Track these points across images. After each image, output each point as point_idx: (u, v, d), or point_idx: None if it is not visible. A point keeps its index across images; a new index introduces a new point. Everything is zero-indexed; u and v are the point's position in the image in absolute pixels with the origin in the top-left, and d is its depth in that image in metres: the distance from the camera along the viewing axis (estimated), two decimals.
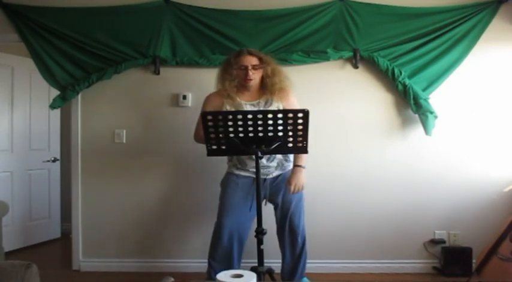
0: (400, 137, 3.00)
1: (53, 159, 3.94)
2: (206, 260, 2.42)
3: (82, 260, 3.10)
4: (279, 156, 2.35)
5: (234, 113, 1.93)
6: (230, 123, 1.91)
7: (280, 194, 2.37)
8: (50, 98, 3.39)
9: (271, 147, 1.95)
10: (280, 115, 1.89)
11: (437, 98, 2.91)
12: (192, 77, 3.02)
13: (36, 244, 3.80)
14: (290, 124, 1.91)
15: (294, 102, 2.39)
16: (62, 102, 3.02)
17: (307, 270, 2.50)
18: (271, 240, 2.36)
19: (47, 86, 3.21)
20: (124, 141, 3.07)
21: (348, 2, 2.92)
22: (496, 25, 2.91)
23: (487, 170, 2.97)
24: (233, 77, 2.32)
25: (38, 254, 3.58)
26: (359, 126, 3.01)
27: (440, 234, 3.01)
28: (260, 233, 1.95)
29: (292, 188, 2.30)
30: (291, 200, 2.36)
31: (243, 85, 2.35)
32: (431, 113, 2.85)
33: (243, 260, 2.51)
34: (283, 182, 2.36)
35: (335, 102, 3.01)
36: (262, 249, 1.94)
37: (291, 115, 1.89)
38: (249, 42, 2.93)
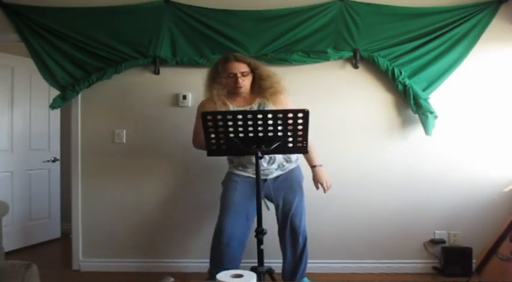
0: (400, 137, 3.00)
1: (53, 159, 3.94)
2: (206, 260, 2.42)
3: (82, 260, 3.10)
4: (279, 158, 2.34)
5: (234, 113, 1.92)
6: (230, 123, 1.91)
7: (281, 194, 2.37)
8: (50, 98, 3.39)
9: (271, 147, 1.95)
10: (280, 115, 1.89)
11: (437, 98, 2.91)
12: (192, 77, 3.01)
13: (36, 244, 3.80)
14: (290, 124, 1.92)
15: (288, 104, 2.35)
16: (62, 102, 3.02)
17: (307, 270, 2.50)
18: (271, 240, 2.36)
19: (47, 86, 3.21)
20: (124, 141, 3.07)
21: (348, 2, 2.92)
22: (496, 25, 2.91)
23: (487, 170, 2.97)
24: (222, 85, 2.30)
25: (38, 254, 3.58)
26: (359, 126, 3.01)
27: (440, 234, 3.01)
28: (260, 233, 1.95)
29: (325, 185, 2.38)
30: (292, 200, 2.36)
31: (233, 92, 2.33)
32: (431, 113, 2.85)
33: (243, 260, 2.51)
34: (284, 182, 2.36)
35: (335, 102, 3.01)
36: (262, 249, 1.94)
37: (291, 115, 1.89)
38: (249, 42, 2.93)
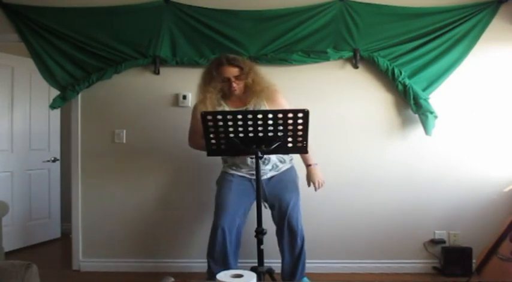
0: (400, 137, 3.00)
1: (53, 159, 3.94)
2: (206, 260, 2.42)
3: (82, 260, 3.10)
4: (274, 158, 2.35)
5: (234, 113, 1.92)
6: (230, 123, 1.91)
7: (277, 195, 2.36)
8: (50, 98, 3.39)
9: (271, 147, 1.95)
10: (280, 115, 1.89)
11: (437, 98, 2.91)
12: (192, 77, 2.99)
13: (36, 244, 3.80)
14: (290, 124, 1.92)
15: (282, 103, 2.35)
16: (62, 102, 3.02)
17: (307, 270, 2.50)
18: (271, 240, 2.36)
19: (47, 86, 3.21)
20: (124, 141, 3.07)
21: (348, 2, 2.92)
22: (496, 25, 2.91)
23: (487, 170, 2.97)
24: (217, 90, 2.28)
25: (38, 254, 3.58)
26: (359, 126, 3.01)
27: (440, 234, 3.01)
28: (260, 233, 1.95)
29: (317, 185, 2.40)
30: (288, 200, 2.35)
31: (227, 95, 2.33)
32: (431, 113, 2.85)
33: (243, 260, 2.52)
34: (279, 183, 2.36)
35: (335, 102, 3.01)
36: (262, 249, 1.94)
37: (291, 115, 1.89)
38: (249, 42, 2.93)
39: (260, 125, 1.90)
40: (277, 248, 2.45)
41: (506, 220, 2.47)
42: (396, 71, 2.87)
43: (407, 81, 2.86)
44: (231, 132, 1.94)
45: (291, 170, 2.45)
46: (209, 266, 2.38)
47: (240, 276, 1.28)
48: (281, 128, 1.92)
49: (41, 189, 3.90)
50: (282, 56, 2.92)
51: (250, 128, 1.91)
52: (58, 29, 2.97)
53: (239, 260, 2.48)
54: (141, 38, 2.97)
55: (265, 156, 2.15)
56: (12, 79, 3.64)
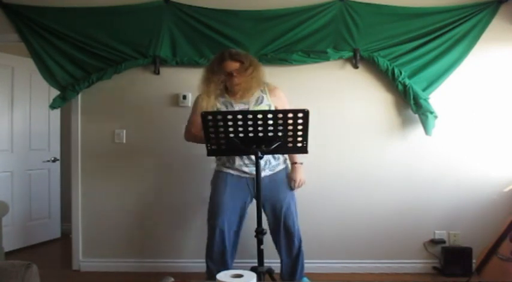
0: (400, 137, 3.00)
1: (53, 159, 3.94)
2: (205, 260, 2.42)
3: (82, 260, 3.10)
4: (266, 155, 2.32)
5: (234, 113, 1.92)
6: (230, 123, 1.91)
7: (271, 195, 2.31)
8: (50, 98, 3.39)
9: (271, 147, 1.95)
10: (280, 115, 1.89)
11: (437, 98, 2.91)
12: (192, 77, 2.99)
13: (36, 244, 3.80)
14: (290, 124, 1.91)
15: (284, 99, 2.40)
16: (62, 102, 3.02)
17: (307, 270, 2.50)
18: (271, 240, 2.37)
19: (47, 86, 3.21)
20: (124, 141, 3.07)
21: (348, 2, 2.92)
22: (496, 25, 2.91)
23: (487, 170, 2.97)
24: (219, 82, 2.29)
25: (38, 254, 3.58)
26: (359, 126, 3.01)
27: (440, 234, 3.01)
28: (260, 233, 1.95)
29: (297, 184, 2.37)
30: (283, 201, 2.33)
31: (230, 88, 2.33)
32: (431, 113, 2.85)
33: (243, 260, 2.52)
34: (273, 183, 2.31)
35: (335, 102, 3.01)
36: (262, 249, 1.94)
37: (291, 115, 1.89)
38: (249, 42, 2.93)
39: (260, 125, 1.90)
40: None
41: (506, 220, 2.47)
42: (396, 71, 2.87)
43: (407, 81, 2.86)
44: (231, 132, 1.94)
45: (285, 170, 2.42)
46: (208, 267, 2.38)
47: (240, 276, 1.28)
48: (281, 128, 1.92)
49: (41, 189, 3.90)
50: (282, 56, 2.92)
51: (250, 128, 1.91)
52: (58, 29, 2.97)
53: (239, 260, 2.49)
54: (141, 38, 2.97)
55: None
56: (12, 79, 3.64)
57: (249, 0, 2.97)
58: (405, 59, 2.90)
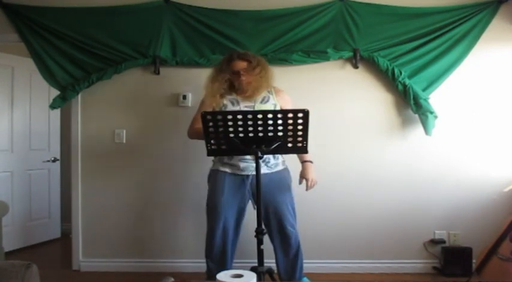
0: (400, 137, 3.00)
1: (53, 159, 3.94)
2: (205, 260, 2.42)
3: (82, 260, 3.10)
4: None
5: (234, 113, 1.92)
6: (230, 123, 1.91)
7: (269, 196, 2.28)
8: (50, 98, 3.39)
9: (271, 147, 1.95)
10: (280, 115, 1.89)
11: (437, 98, 2.91)
12: (192, 77, 3.02)
13: (36, 244, 3.80)
14: (290, 124, 1.91)
15: (287, 99, 2.45)
16: (62, 102, 3.02)
17: (307, 270, 2.50)
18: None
19: (47, 86, 3.21)
20: (124, 141, 3.08)
21: (348, 2, 2.92)
22: (496, 25, 2.91)
23: (487, 170, 2.97)
24: (222, 83, 2.35)
25: (38, 254, 3.58)
26: (359, 126, 3.01)
27: (440, 234, 3.01)
28: (260, 233, 1.95)
29: (309, 183, 2.34)
30: (280, 203, 2.31)
31: (237, 88, 2.37)
32: (431, 113, 2.85)
33: (243, 260, 2.53)
34: (271, 183, 2.29)
35: (335, 102, 3.01)
36: (262, 249, 1.94)
37: (291, 115, 1.89)
38: (249, 42, 2.93)
39: (260, 125, 1.90)
40: None
41: (506, 220, 2.47)
42: (396, 71, 2.87)
43: (407, 81, 2.86)
44: (231, 132, 1.94)
45: (284, 171, 2.41)
46: (208, 266, 2.38)
47: (240, 276, 1.28)
48: (281, 128, 1.92)
49: (41, 189, 3.89)
50: (282, 56, 2.92)
51: (250, 128, 1.91)
52: (58, 29, 2.97)
53: (239, 260, 2.49)
54: (141, 38, 2.97)
55: None
56: (12, 79, 3.63)
57: (249, 0, 2.97)
58: (405, 59, 2.90)
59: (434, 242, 2.99)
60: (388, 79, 2.92)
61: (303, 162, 2.39)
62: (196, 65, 2.96)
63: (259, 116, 1.89)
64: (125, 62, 2.97)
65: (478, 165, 2.98)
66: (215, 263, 2.34)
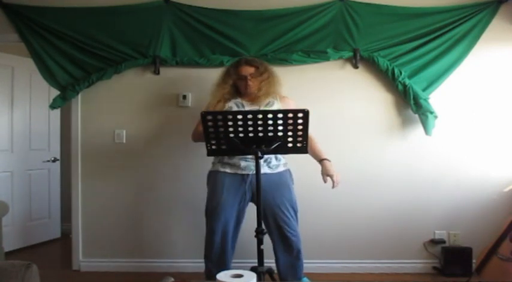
0: (400, 137, 3.00)
1: (53, 159, 3.94)
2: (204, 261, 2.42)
3: (82, 260, 3.10)
4: None
5: (234, 113, 1.92)
6: (230, 123, 1.91)
7: (269, 197, 2.26)
8: (50, 98, 3.39)
9: (271, 147, 1.95)
10: (280, 115, 1.89)
11: (437, 98, 2.91)
12: (192, 77, 3.02)
13: (36, 244, 3.80)
14: (290, 124, 1.91)
15: (292, 104, 2.46)
16: (62, 102, 3.02)
17: (307, 270, 2.50)
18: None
19: (47, 86, 3.21)
20: (124, 141, 3.08)
21: (348, 2, 2.92)
22: (496, 25, 2.91)
23: (487, 170, 2.98)
24: (229, 84, 2.39)
25: (38, 254, 3.58)
26: (359, 126, 3.01)
27: (440, 234, 3.01)
28: (260, 233, 1.94)
29: (335, 178, 2.27)
30: (280, 205, 2.29)
31: (243, 92, 2.40)
32: (431, 113, 2.85)
33: (243, 260, 2.52)
34: (271, 184, 2.28)
35: (335, 102, 3.01)
36: (262, 249, 1.94)
37: (291, 115, 1.89)
38: (249, 42, 2.93)
39: (260, 125, 1.90)
40: None
41: (506, 220, 2.47)
42: (396, 71, 2.87)
43: (407, 81, 2.86)
44: (231, 132, 1.94)
45: (285, 172, 2.40)
46: (207, 267, 2.38)
47: (240, 276, 1.28)
48: (281, 128, 1.92)
49: (41, 189, 3.90)
50: (282, 56, 2.93)
51: (250, 128, 1.91)
52: (58, 29, 2.97)
53: (239, 260, 2.49)
54: (141, 38, 2.97)
55: None
56: (12, 79, 3.63)
57: (249, 0, 2.97)
58: (405, 59, 2.90)
59: (434, 242, 2.99)
60: (388, 79, 2.92)
61: (321, 160, 2.34)
62: (196, 65, 2.96)
63: (259, 116, 1.89)
64: (125, 62, 2.97)
65: (478, 165, 2.98)
66: (214, 263, 2.33)
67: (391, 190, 3.00)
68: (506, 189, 2.98)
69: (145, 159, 3.07)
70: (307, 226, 2.68)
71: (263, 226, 2.01)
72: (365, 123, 3.01)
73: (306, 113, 1.89)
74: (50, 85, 3.09)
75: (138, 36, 2.97)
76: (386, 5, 2.92)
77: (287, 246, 2.33)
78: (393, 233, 2.99)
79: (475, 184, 2.98)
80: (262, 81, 2.35)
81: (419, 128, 2.91)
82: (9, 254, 3.32)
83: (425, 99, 2.86)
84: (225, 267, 2.28)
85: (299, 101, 2.46)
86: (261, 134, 1.92)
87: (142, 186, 3.08)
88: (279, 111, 1.92)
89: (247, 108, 2.34)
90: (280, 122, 1.90)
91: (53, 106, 3.04)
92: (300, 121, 1.90)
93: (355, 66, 2.97)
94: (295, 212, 2.36)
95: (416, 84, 2.87)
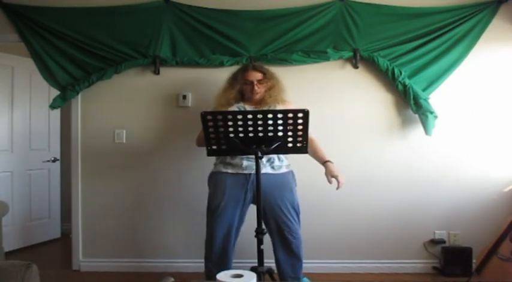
0: (400, 137, 3.00)
1: (53, 159, 3.94)
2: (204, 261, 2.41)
3: (82, 260, 3.10)
4: None
5: (234, 113, 1.92)
6: (230, 123, 1.91)
7: (270, 199, 2.27)
8: (50, 98, 3.39)
9: (271, 147, 1.95)
10: (280, 115, 1.89)
11: (437, 98, 2.91)
12: (192, 77, 3.02)
13: (36, 244, 3.80)
14: (290, 124, 1.92)
15: (292, 107, 2.43)
16: (62, 102, 3.02)
17: (307, 270, 2.50)
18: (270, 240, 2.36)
19: (47, 86, 3.21)
20: (124, 141, 3.08)
21: (348, 2, 2.92)
22: (496, 25, 2.91)
23: (487, 170, 2.97)
24: (235, 89, 2.42)
25: (38, 254, 3.58)
26: (359, 126, 3.01)
27: (440, 234, 3.01)
28: (260, 233, 1.94)
29: (340, 178, 2.27)
30: (282, 207, 2.29)
31: (248, 97, 2.42)
32: (431, 113, 2.85)
33: (243, 260, 2.52)
34: (274, 186, 2.28)
35: (335, 102, 3.01)
36: (262, 249, 1.94)
37: (291, 115, 1.89)
38: (249, 42, 2.93)
39: (260, 125, 1.90)
40: None
41: (506, 220, 2.47)
42: (396, 71, 2.87)
43: (407, 81, 2.86)
44: (231, 132, 1.94)
45: (288, 174, 2.40)
46: (207, 267, 2.37)
47: (240, 276, 1.28)
48: (281, 128, 1.92)
49: (41, 189, 3.89)
50: (282, 56, 2.92)
51: (250, 128, 1.91)
52: (58, 29, 2.97)
53: (239, 260, 2.49)
54: (141, 38, 2.97)
55: None
56: (12, 79, 3.63)
57: (249, 0, 2.97)
58: (405, 59, 2.90)
59: (434, 242, 2.99)
60: (388, 79, 2.92)
61: (325, 162, 2.36)
62: (196, 65, 2.96)
63: (259, 116, 1.89)
64: (125, 62, 2.97)
65: (478, 165, 2.98)
66: (215, 263, 2.33)
67: (391, 190, 3.00)
68: (506, 189, 2.98)
69: (145, 159, 3.07)
70: (307, 226, 2.67)
71: (263, 226, 2.01)
72: (365, 123, 3.01)
73: (306, 113, 1.89)
74: (50, 85, 3.09)
75: (138, 36, 2.97)
76: (386, 5, 2.92)
77: (287, 247, 2.33)
78: (393, 233, 2.99)
79: (475, 184, 2.98)
80: (270, 88, 2.40)
81: (419, 128, 2.91)
82: (9, 254, 3.32)
83: (425, 99, 2.86)
84: (225, 267, 2.28)
85: (299, 101, 2.46)
86: (261, 134, 1.93)
87: (142, 186, 3.08)
88: (279, 111, 1.92)
89: None
90: (280, 122, 1.90)
91: (53, 106, 3.04)
92: (300, 121, 1.90)
93: (355, 66, 2.97)
94: (297, 214, 2.36)
95: (416, 84, 2.87)
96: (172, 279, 1.41)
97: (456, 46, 2.89)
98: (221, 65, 2.91)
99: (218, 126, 1.94)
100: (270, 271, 1.98)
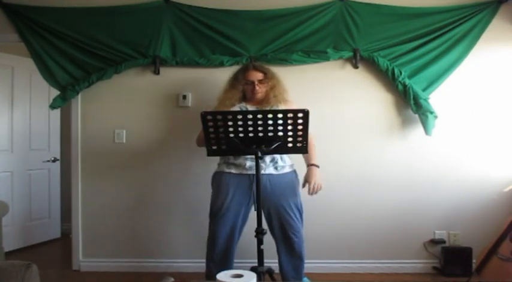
0: (400, 137, 3.00)
1: (53, 159, 3.94)
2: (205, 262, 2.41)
3: (82, 260, 3.10)
4: None
5: (234, 113, 1.93)
6: (230, 123, 1.91)
7: (273, 199, 2.28)
8: (50, 98, 3.39)
9: (271, 147, 1.95)
10: (280, 115, 1.89)
11: (437, 98, 2.91)
12: (192, 77, 3.02)
13: (36, 244, 3.80)
14: (290, 124, 1.92)
15: (293, 107, 2.43)
16: (62, 102, 3.02)
17: (307, 270, 2.50)
18: (271, 240, 2.36)
19: (47, 86, 3.21)
20: (124, 141, 3.08)
21: (348, 2, 2.92)
22: (496, 25, 2.91)
23: (487, 170, 2.97)
24: (238, 90, 2.42)
25: (38, 254, 3.58)
26: (359, 126, 3.01)
27: (440, 234, 3.01)
28: (260, 233, 1.95)
29: (311, 186, 2.29)
30: (285, 207, 2.29)
31: (251, 97, 2.42)
32: (431, 113, 2.85)
33: (243, 260, 2.52)
34: (277, 186, 2.29)
35: (335, 102, 3.01)
36: (262, 249, 1.94)
37: (291, 115, 1.89)
38: (249, 42, 2.93)
39: (260, 125, 1.90)
40: None
41: (506, 220, 2.47)
42: (396, 71, 2.87)
43: (407, 81, 2.86)
44: (231, 132, 1.94)
45: (291, 174, 2.40)
46: (208, 267, 2.37)
47: (240, 276, 1.28)
48: (281, 128, 1.92)
49: (41, 189, 3.89)
50: (282, 56, 2.92)
51: (250, 128, 1.91)
52: (58, 29, 2.97)
53: (239, 260, 2.49)
54: (141, 38, 2.97)
55: None
56: (12, 79, 3.63)
57: (249, 0, 2.97)
58: (405, 59, 2.90)
59: (434, 242, 2.99)
60: (388, 79, 2.92)
61: (308, 165, 2.37)
62: (196, 65, 2.96)
63: (259, 116, 1.89)
64: (125, 62, 2.96)
65: (478, 165, 2.98)
66: (217, 263, 2.33)
67: (391, 190, 3.00)
68: (506, 189, 2.98)
69: (145, 159, 3.07)
70: (307, 226, 2.66)
71: (263, 226, 2.01)
72: (365, 123, 3.01)
73: (306, 113, 1.89)
74: (50, 85, 3.09)
75: (138, 36, 2.97)
76: (386, 5, 2.91)
77: (289, 247, 2.33)
78: (393, 233, 2.99)
79: (475, 184, 2.98)
80: (272, 87, 2.39)
81: (419, 128, 2.91)
82: (9, 254, 3.32)
83: (425, 99, 2.86)
84: (227, 267, 2.28)
85: (299, 101, 2.46)
86: (261, 134, 1.93)
87: (142, 186, 3.08)
88: (279, 111, 1.92)
89: None
90: (280, 122, 1.90)
91: (53, 106, 3.04)
92: (300, 121, 1.91)
93: (355, 66, 2.97)
94: (301, 214, 2.37)
95: (416, 84, 2.87)
96: (172, 279, 1.41)
97: (456, 46, 2.89)
98: (221, 65, 2.92)
99: (218, 126, 1.94)
100: (270, 271, 1.99)
